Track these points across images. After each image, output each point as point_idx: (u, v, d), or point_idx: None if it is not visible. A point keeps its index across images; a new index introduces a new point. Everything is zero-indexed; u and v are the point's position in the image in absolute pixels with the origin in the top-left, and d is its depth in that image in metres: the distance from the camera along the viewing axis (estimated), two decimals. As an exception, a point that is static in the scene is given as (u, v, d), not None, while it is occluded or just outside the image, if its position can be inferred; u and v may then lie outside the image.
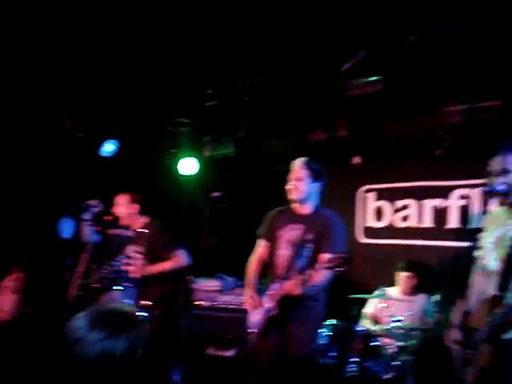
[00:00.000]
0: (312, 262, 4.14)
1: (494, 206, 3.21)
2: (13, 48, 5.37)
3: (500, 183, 3.08)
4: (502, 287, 3.03)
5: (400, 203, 6.57)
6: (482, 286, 3.20)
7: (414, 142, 6.07)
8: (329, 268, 3.84)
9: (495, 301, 3.01)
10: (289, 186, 4.42)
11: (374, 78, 5.25)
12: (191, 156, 7.01)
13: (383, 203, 6.71)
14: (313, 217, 4.39)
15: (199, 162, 7.02)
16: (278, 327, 4.26)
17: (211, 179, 7.07)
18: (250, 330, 4.40)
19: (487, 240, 3.20)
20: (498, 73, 4.92)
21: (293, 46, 5.50)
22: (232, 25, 5.16)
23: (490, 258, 3.17)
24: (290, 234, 4.39)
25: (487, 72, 5.01)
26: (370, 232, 6.81)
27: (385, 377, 5.08)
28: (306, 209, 4.45)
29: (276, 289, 4.25)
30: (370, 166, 6.73)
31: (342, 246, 4.25)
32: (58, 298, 4.54)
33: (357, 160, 6.76)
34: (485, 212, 2.88)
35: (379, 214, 6.74)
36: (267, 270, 4.47)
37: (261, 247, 4.60)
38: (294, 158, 6.86)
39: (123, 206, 5.31)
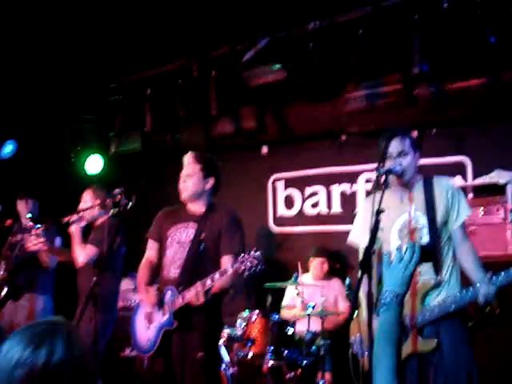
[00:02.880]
0: (207, 265, 3.75)
1: (389, 187, 3.26)
2: None
3: (397, 164, 3.15)
4: (437, 272, 3.11)
5: (309, 190, 6.62)
6: None
7: (320, 129, 6.14)
8: (242, 270, 3.47)
9: (431, 288, 3.09)
10: (179, 184, 4.00)
11: (277, 66, 5.25)
12: (96, 153, 6.83)
13: (292, 191, 6.75)
14: (206, 215, 3.94)
15: (104, 159, 6.85)
16: (176, 341, 3.78)
17: (118, 176, 6.90)
18: (144, 349, 3.87)
19: (394, 226, 3.26)
20: (398, 56, 5.02)
21: (194, 37, 5.42)
22: (134, 16, 5.05)
23: (398, 245, 3.23)
24: (181, 234, 3.94)
25: (386, 56, 5.11)
26: (282, 220, 6.84)
27: (302, 363, 5.13)
28: (199, 207, 3.99)
29: (169, 298, 3.76)
30: (278, 155, 6.77)
31: (240, 247, 3.78)
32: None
33: (264, 150, 6.78)
34: (382, 193, 2.91)
35: (289, 202, 6.77)
36: (157, 272, 4.03)
37: (150, 249, 4.12)
38: (201, 151, 6.84)
39: (89, 202, 5.07)
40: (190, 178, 3.94)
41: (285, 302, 5.98)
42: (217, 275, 3.55)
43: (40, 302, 5.51)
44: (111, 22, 5.18)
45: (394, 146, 3.21)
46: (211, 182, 3.98)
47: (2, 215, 5.55)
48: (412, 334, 3.07)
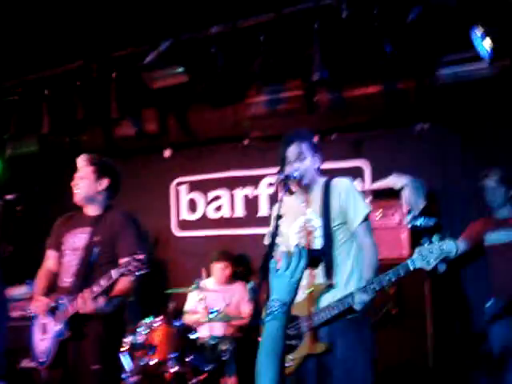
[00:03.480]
0: (101, 269, 3.59)
1: (291, 192, 3.31)
2: None
3: (295, 169, 3.18)
4: (328, 275, 3.13)
5: (212, 194, 6.62)
6: None
7: (222, 132, 6.15)
8: (126, 274, 3.40)
9: (323, 290, 3.11)
10: (73, 188, 3.88)
11: (179, 69, 5.20)
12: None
13: (196, 195, 6.72)
14: (100, 218, 3.83)
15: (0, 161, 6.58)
16: (72, 351, 3.64)
17: (14, 180, 6.62)
18: (40, 361, 3.71)
19: (291, 230, 3.29)
20: (299, 62, 5.10)
21: (95, 36, 5.28)
22: (33, 14, 4.87)
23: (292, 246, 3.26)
24: (76, 239, 3.82)
25: (288, 63, 5.18)
26: (185, 224, 6.79)
27: (206, 368, 5.11)
28: (95, 210, 3.88)
29: (63, 308, 3.61)
30: (181, 158, 6.74)
31: (140, 248, 3.65)
32: None
33: (167, 153, 6.71)
34: (282, 199, 2.94)
35: (192, 206, 6.73)
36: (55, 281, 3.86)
37: (48, 259, 3.97)
38: (102, 154, 6.67)
39: None
40: (82, 181, 3.84)
41: (187, 307, 5.93)
42: (102, 281, 3.44)
43: None
44: (8, 19, 4.96)
45: (292, 150, 3.24)
46: (105, 183, 3.86)
47: None
48: (308, 336, 3.11)
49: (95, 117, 5.94)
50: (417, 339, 4.83)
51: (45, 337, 3.70)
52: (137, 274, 3.37)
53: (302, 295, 3.17)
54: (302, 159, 3.22)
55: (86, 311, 3.49)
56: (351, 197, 3.22)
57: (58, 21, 5.02)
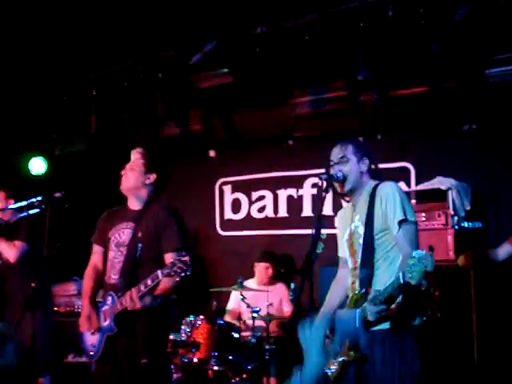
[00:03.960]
0: (146, 265, 3.66)
1: (336, 193, 3.28)
2: None
3: (338, 171, 3.16)
4: (365, 283, 3.09)
5: (256, 194, 6.64)
6: (345, 277, 3.29)
7: (266, 133, 6.18)
8: (171, 275, 3.40)
9: (361, 297, 3.08)
10: (122, 176, 3.93)
11: (223, 70, 5.24)
12: (40, 155, 6.72)
13: (239, 195, 6.75)
14: (143, 212, 3.85)
15: (47, 160, 6.74)
16: (121, 346, 3.70)
17: (62, 179, 6.77)
18: (90, 354, 3.78)
19: (343, 238, 3.27)
20: (344, 62, 5.07)
21: (141, 38, 5.37)
22: (81, 16, 4.97)
23: (347, 254, 3.24)
24: (120, 234, 3.84)
25: (332, 63, 5.16)
26: (229, 224, 6.83)
27: (248, 367, 5.13)
28: (138, 204, 3.91)
29: (110, 304, 3.68)
30: (225, 158, 6.78)
31: (182, 242, 3.75)
32: None
33: (212, 153, 6.76)
34: (323, 200, 2.93)
35: (237, 205, 6.77)
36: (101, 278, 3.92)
37: (94, 254, 4.02)
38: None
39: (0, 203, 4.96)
40: (132, 171, 3.89)
41: (229, 306, 5.98)
42: (149, 281, 3.48)
43: None
44: (58, 22, 5.08)
45: (335, 153, 3.22)
46: (152, 177, 3.90)
47: None
48: (347, 342, 3.08)
49: (142, 117, 6.04)
50: (462, 344, 4.75)
51: (94, 332, 3.76)
52: (182, 275, 3.38)
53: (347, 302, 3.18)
54: (346, 161, 3.18)
55: (134, 309, 3.53)
56: (390, 202, 3.08)
57: (105, 23, 5.12)
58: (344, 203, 3.26)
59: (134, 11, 4.94)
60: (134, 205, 3.93)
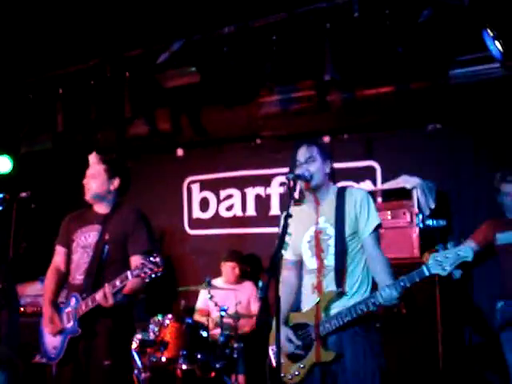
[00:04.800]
0: (112, 267, 3.66)
1: (300, 192, 3.33)
2: None
3: (305, 170, 3.21)
4: (339, 283, 3.14)
5: (224, 193, 6.65)
6: (296, 280, 3.35)
7: (234, 132, 6.19)
8: (142, 276, 3.38)
9: (335, 296, 3.13)
10: (84, 185, 3.91)
11: (191, 69, 5.24)
12: (4, 154, 6.63)
13: (208, 194, 6.76)
14: (111, 215, 3.85)
15: (12, 159, 6.65)
16: (82, 348, 3.67)
17: (28, 178, 6.69)
18: (51, 357, 3.74)
19: (304, 239, 3.31)
20: (311, 62, 5.11)
21: (108, 36, 5.33)
22: (48, 13, 4.93)
23: (307, 256, 3.27)
24: (86, 236, 3.84)
25: (300, 62, 5.20)
26: (197, 223, 6.83)
27: (216, 366, 5.15)
28: (104, 207, 3.90)
29: (74, 305, 3.66)
30: (193, 157, 6.79)
31: (150, 245, 3.76)
32: None
33: (180, 152, 6.76)
34: (292, 199, 2.97)
35: (205, 204, 6.77)
36: (65, 278, 3.90)
37: (57, 255, 3.99)
38: (115, 153, 6.73)
39: None
40: (94, 179, 3.86)
41: (198, 305, 5.99)
42: (117, 282, 3.47)
43: None
44: (24, 20, 5.03)
45: (302, 153, 3.26)
46: (116, 182, 3.88)
47: None
48: (316, 345, 3.11)
49: (109, 116, 6.00)
50: (426, 340, 4.83)
51: (55, 333, 3.72)
52: (152, 276, 3.38)
53: (311, 303, 3.20)
54: (312, 161, 3.24)
55: (107, 305, 3.51)
56: (365, 207, 3.20)
57: (72, 21, 5.09)
58: (296, 207, 3.26)
59: (102, 9, 4.91)
60: (101, 209, 3.92)
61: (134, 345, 5.13)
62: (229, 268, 5.94)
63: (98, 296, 3.52)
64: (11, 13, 4.91)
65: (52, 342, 3.75)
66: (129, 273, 3.44)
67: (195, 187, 6.84)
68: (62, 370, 3.76)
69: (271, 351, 3.30)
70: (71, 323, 3.66)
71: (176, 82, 5.35)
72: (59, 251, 3.99)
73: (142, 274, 3.38)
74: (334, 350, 3.08)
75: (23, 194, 3.67)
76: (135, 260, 3.67)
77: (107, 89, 5.80)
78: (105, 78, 5.68)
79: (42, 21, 5.08)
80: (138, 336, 5.15)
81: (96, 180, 3.86)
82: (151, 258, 3.37)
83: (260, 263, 6.23)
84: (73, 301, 3.69)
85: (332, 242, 3.19)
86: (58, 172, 7.09)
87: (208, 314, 5.80)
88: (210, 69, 5.25)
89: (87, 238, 3.84)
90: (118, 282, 3.47)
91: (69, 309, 3.70)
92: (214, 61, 5.19)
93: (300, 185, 3.24)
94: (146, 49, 5.41)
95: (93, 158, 3.95)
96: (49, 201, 3.73)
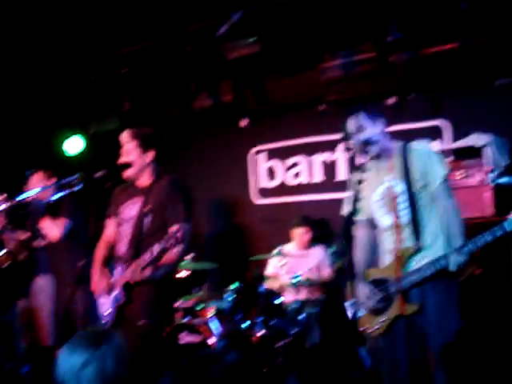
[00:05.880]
0: (153, 237, 3.69)
1: (364, 159, 3.34)
2: None
3: (359, 140, 3.23)
4: (416, 238, 3.18)
5: (290, 161, 6.66)
6: (370, 239, 3.42)
7: (298, 99, 6.17)
8: (166, 249, 3.51)
9: (412, 253, 3.17)
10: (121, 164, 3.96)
11: (251, 39, 5.23)
12: (76, 134, 6.81)
13: (274, 162, 6.79)
14: (152, 187, 3.92)
15: (84, 139, 6.83)
16: (127, 313, 3.80)
17: (98, 157, 6.88)
18: (104, 322, 3.89)
19: (373, 198, 3.33)
20: (371, 24, 5.02)
21: (167, 13, 5.38)
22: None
23: (380, 214, 3.31)
24: (130, 208, 3.93)
25: (360, 25, 5.11)
26: (264, 192, 6.88)
27: (291, 332, 5.22)
28: (145, 180, 3.97)
29: (119, 274, 3.81)
30: (258, 127, 6.79)
31: (186, 215, 3.78)
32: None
33: (244, 122, 6.79)
34: (356, 166, 3.01)
35: (271, 173, 6.81)
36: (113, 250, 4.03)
37: (107, 227, 4.13)
38: (181, 126, 6.83)
39: (41, 183, 5.05)
40: (129, 156, 3.93)
41: (268, 272, 6.04)
42: (146, 256, 3.58)
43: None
44: (87, 2, 5.12)
45: (350, 124, 3.29)
46: (151, 155, 3.93)
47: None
48: (398, 298, 3.16)
49: (173, 91, 6.08)
50: (501, 299, 4.75)
51: (108, 299, 3.88)
52: (175, 248, 3.50)
53: (388, 259, 3.26)
54: (363, 130, 3.26)
55: (135, 280, 3.67)
56: (430, 159, 3.25)
57: (132, 1, 5.15)
58: (362, 170, 3.28)
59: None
60: (143, 181, 3.99)
61: (212, 313, 5.28)
62: (300, 233, 5.95)
63: (128, 272, 3.68)
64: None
65: (104, 308, 3.91)
66: (154, 247, 3.54)
67: (261, 157, 6.87)
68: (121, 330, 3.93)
69: (348, 304, 3.37)
70: (116, 292, 3.81)
71: (237, 53, 5.37)
72: (109, 224, 4.13)
73: (167, 247, 3.48)
74: (415, 303, 3.12)
75: (98, 175, 3.79)
76: (171, 229, 3.66)
77: (170, 65, 5.87)
78: (167, 54, 5.75)
79: (104, 3, 5.16)
80: (215, 305, 5.28)
81: (132, 157, 3.93)
82: (174, 232, 3.45)
83: (329, 228, 6.24)
84: (118, 270, 3.85)
85: (403, 197, 3.23)
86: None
87: (279, 280, 5.88)
88: (271, 38, 5.23)
89: (131, 210, 3.94)
90: (146, 257, 3.59)
91: (115, 278, 3.85)
92: (273, 29, 5.17)
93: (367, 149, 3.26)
94: (206, 22, 5.44)
95: (124, 135, 4.00)
96: (120, 179, 3.85)
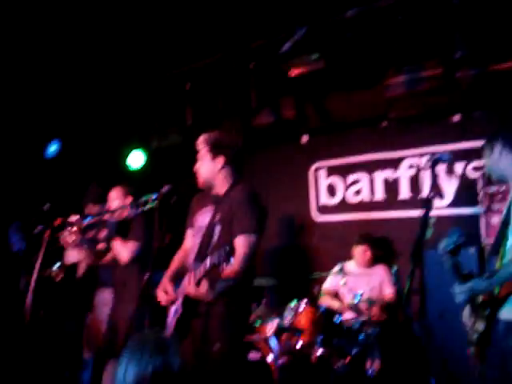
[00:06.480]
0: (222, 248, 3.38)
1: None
2: None
3: (446, 153, 3.18)
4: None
5: (351, 178, 6.60)
6: None
7: (360, 115, 6.11)
8: (216, 265, 3.26)
9: None
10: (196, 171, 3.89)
11: (315, 55, 5.23)
12: (138, 149, 6.94)
13: (334, 179, 6.73)
14: (224, 196, 3.75)
15: (146, 154, 6.95)
16: (198, 328, 3.65)
17: (159, 171, 6.98)
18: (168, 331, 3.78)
19: None
20: (437, 41, 4.95)
21: (231, 29, 5.44)
22: (172, 11, 5.08)
23: None
24: (203, 217, 3.81)
25: (425, 41, 5.04)
26: (325, 209, 6.83)
27: (352, 351, 5.14)
28: (219, 188, 3.80)
29: (182, 285, 3.66)
30: (319, 143, 6.75)
31: (252, 225, 3.59)
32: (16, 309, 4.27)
33: (305, 139, 6.77)
34: (434, 181, 2.93)
35: (332, 190, 6.76)
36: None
37: (186, 238, 4.05)
38: (242, 143, 6.86)
39: (118, 200, 5.18)
40: (201, 163, 3.82)
41: (325, 287, 5.94)
42: (201, 268, 3.39)
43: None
44: (150, 19, 5.22)
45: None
46: (221, 161, 3.76)
47: (49, 213, 5.65)
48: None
49: (235, 107, 6.12)
50: None
51: (172, 311, 3.80)
52: (224, 264, 3.23)
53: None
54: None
55: (190, 294, 3.51)
56: None
57: (196, 17, 5.22)
58: None
59: (224, 2, 5.01)
60: (218, 189, 3.84)
61: (271, 330, 5.25)
62: (360, 251, 5.88)
63: (185, 284, 3.53)
64: (140, 13, 5.12)
65: (169, 317, 3.83)
66: (208, 260, 3.34)
67: (321, 173, 6.83)
68: (182, 344, 3.72)
69: None
70: (177, 303, 3.72)
71: (300, 69, 5.36)
72: (187, 234, 4.06)
73: (217, 262, 3.26)
74: None
75: (165, 189, 3.79)
76: (238, 240, 3.57)
77: (233, 81, 5.92)
78: (230, 70, 5.80)
79: (168, 19, 5.25)
80: (274, 322, 5.26)
81: (202, 163, 3.81)
82: (227, 248, 3.23)
83: (390, 247, 6.14)
84: (183, 282, 3.71)
85: None
86: (187, 165, 7.31)
87: (339, 298, 5.80)
88: (334, 54, 5.21)
89: (203, 219, 3.83)
90: (202, 269, 3.40)
91: (180, 288, 3.73)
92: (337, 46, 5.15)
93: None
94: (270, 39, 5.47)
95: (199, 141, 3.88)
96: (185, 194, 3.85)
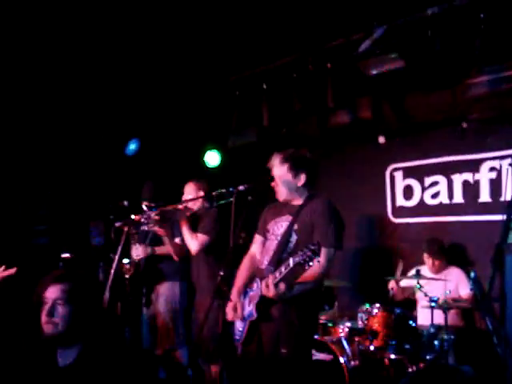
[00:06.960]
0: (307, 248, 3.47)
1: None
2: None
3: None
4: None
5: (429, 180, 6.44)
6: None
7: (439, 116, 5.97)
8: (303, 263, 3.34)
9: None
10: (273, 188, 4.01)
11: (394, 55, 5.14)
12: (214, 148, 7.05)
13: (412, 181, 6.60)
14: (302, 207, 3.89)
15: (221, 153, 7.05)
16: (265, 332, 3.78)
17: (234, 170, 7.07)
18: (236, 338, 3.92)
19: None
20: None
21: (308, 29, 5.43)
22: (249, 11, 5.12)
23: None
24: (278, 226, 3.95)
25: (508, 40, 4.87)
26: (402, 211, 6.71)
27: (426, 357, 5.04)
28: (297, 200, 3.96)
29: (255, 289, 3.79)
30: (396, 144, 6.64)
31: (334, 239, 3.74)
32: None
33: (382, 139, 6.67)
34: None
35: (409, 192, 6.62)
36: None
37: (254, 243, 4.19)
38: (317, 143, 6.85)
39: (192, 194, 5.38)
40: (281, 181, 3.94)
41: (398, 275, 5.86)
42: (282, 268, 3.49)
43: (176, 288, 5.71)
44: (226, 19, 5.28)
45: None
46: (303, 177, 3.92)
47: (127, 210, 5.82)
48: None
49: (311, 107, 6.11)
50: None
51: (241, 316, 3.88)
52: (309, 263, 3.33)
53: None
54: None
55: (268, 296, 3.58)
56: None
57: (272, 17, 5.23)
58: None
59: (300, 2, 5.00)
60: (294, 201, 3.99)
61: (343, 333, 5.22)
62: (426, 259, 5.77)
63: (262, 286, 3.61)
64: (219, 14, 5.18)
65: (238, 324, 3.92)
66: (291, 259, 3.43)
67: (398, 174, 6.71)
68: (246, 349, 3.91)
69: None
70: (250, 307, 3.79)
71: (379, 69, 5.28)
72: (256, 239, 4.17)
73: (302, 261, 3.35)
74: None
75: (241, 187, 3.86)
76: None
77: (309, 81, 5.90)
78: (307, 70, 5.79)
79: (245, 19, 5.30)
80: (347, 324, 5.22)
81: (283, 181, 3.93)
82: (311, 246, 3.33)
83: (464, 252, 5.96)
84: (255, 286, 3.82)
85: None
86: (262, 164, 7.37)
87: (413, 301, 5.70)
88: (414, 53, 5.11)
89: (279, 227, 3.93)
90: (282, 269, 3.50)
91: (252, 293, 3.83)
92: (417, 45, 5.04)
93: None
94: (347, 38, 5.42)
95: (275, 158, 4.00)
96: (260, 193, 3.88)
